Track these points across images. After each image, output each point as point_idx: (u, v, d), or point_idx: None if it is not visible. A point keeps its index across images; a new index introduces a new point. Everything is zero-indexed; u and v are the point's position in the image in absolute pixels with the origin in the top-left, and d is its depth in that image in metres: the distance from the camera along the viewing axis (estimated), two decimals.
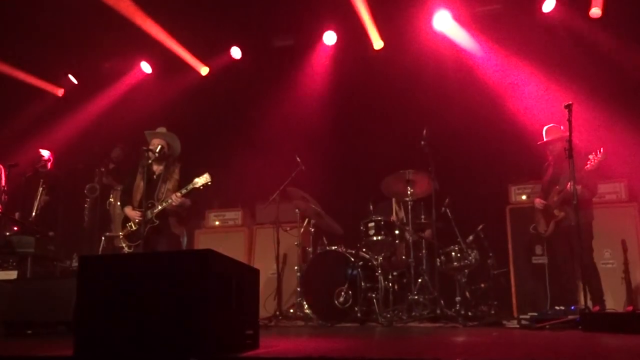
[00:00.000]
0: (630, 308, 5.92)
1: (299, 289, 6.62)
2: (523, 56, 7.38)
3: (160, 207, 5.70)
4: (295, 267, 6.97)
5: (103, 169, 7.84)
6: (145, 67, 9.01)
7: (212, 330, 2.58)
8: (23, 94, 8.99)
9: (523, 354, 2.80)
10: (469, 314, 6.07)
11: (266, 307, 6.80)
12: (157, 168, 5.95)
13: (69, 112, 9.08)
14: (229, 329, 2.83)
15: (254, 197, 8.13)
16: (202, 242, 8.02)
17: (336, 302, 6.03)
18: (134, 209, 5.89)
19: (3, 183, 7.08)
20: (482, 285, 6.51)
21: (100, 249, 7.30)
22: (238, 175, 8.03)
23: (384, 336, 4.44)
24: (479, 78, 7.52)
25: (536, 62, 7.31)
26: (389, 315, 5.95)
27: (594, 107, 6.61)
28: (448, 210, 6.49)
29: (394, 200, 7.02)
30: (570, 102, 5.15)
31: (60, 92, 9.49)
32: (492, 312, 6.28)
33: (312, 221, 6.84)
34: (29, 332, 4.75)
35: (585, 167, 5.47)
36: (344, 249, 6.31)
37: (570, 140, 5.15)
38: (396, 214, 6.98)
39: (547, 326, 4.82)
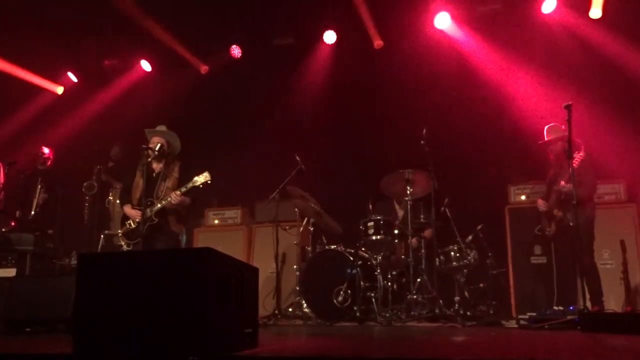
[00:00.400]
0: (629, 308, 5.94)
1: (298, 288, 6.62)
2: (523, 56, 7.38)
3: (159, 206, 5.70)
4: (295, 266, 6.97)
5: (101, 167, 7.84)
6: (145, 66, 9.00)
7: (211, 328, 2.58)
8: (23, 92, 8.98)
9: (522, 354, 2.80)
10: (468, 313, 6.07)
11: (265, 305, 6.80)
12: (156, 166, 5.95)
13: (68, 110, 9.07)
14: (228, 328, 2.83)
15: (254, 196, 8.13)
16: (202, 240, 8.02)
17: (335, 301, 6.03)
18: (133, 207, 5.89)
19: (2, 180, 7.07)
20: (481, 285, 6.50)
21: (100, 247, 7.30)
22: (237, 174, 8.03)
23: (383, 335, 4.44)
24: (478, 78, 7.52)
25: (536, 62, 7.31)
26: (387, 315, 5.95)
27: (594, 107, 6.60)
28: (447, 210, 6.49)
29: (394, 200, 7.02)
30: (569, 103, 5.15)
31: (59, 89, 9.48)
32: (491, 312, 6.28)
33: (312, 220, 6.84)
34: (28, 329, 4.75)
35: (573, 166, 5.48)
36: (343, 248, 6.32)
37: (569, 140, 5.15)
38: (397, 213, 6.98)
39: (546, 326, 4.83)
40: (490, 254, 6.53)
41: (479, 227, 6.53)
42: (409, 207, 6.32)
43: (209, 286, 2.63)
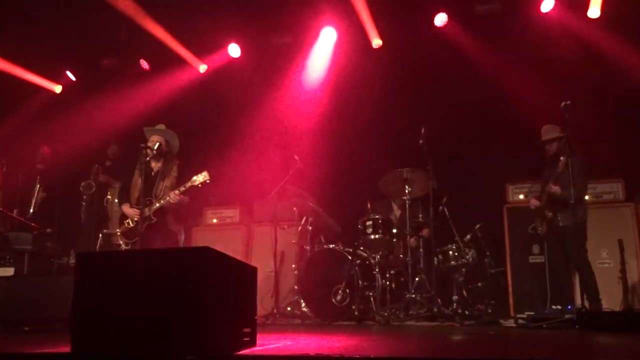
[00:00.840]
0: (626, 307, 5.95)
1: (296, 287, 6.62)
2: (521, 55, 7.38)
3: (158, 205, 5.70)
4: (293, 265, 6.98)
5: (99, 167, 7.83)
6: (144, 64, 8.99)
7: (209, 327, 2.58)
8: (21, 91, 8.96)
9: (520, 353, 2.81)
10: (466, 312, 6.08)
11: (263, 304, 6.80)
12: (155, 165, 5.94)
13: (66, 109, 9.05)
14: (227, 327, 2.83)
15: (252, 195, 8.13)
16: (200, 239, 8.00)
17: (333, 300, 6.04)
18: (131, 206, 5.88)
19: (0, 179, 7.07)
20: (479, 284, 6.52)
21: (98, 246, 7.29)
22: (236, 173, 8.02)
23: (381, 334, 4.45)
24: (477, 77, 7.52)
25: (534, 61, 7.31)
26: (386, 314, 5.96)
27: (592, 106, 6.61)
28: (445, 209, 6.50)
29: (393, 199, 7.02)
30: (567, 102, 5.16)
31: (58, 88, 9.46)
32: (489, 311, 6.29)
33: (310, 219, 6.84)
34: (26, 329, 4.75)
35: (558, 169, 5.51)
36: (342, 247, 6.32)
37: (567, 140, 5.16)
38: (395, 212, 6.99)
39: (544, 325, 4.84)
40: (488, 253, 6.55)
41: (477, 226, 6.54)
42: (407, 206, 6.32)
43: (207, 285, 2.63)
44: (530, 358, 2.49)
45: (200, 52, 8.77)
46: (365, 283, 6.02)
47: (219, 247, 2.85)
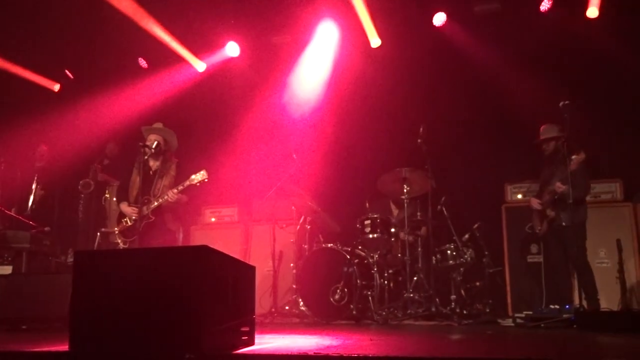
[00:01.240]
0: (624, 307, 5.96)
1: (294, 286, 6.62)
2: (520, 55, 7.38)
3: (156, 203, 5.69)
4: (291, 264, 6.98)
5: (97, 165, 7.83)
6: (142, 63, 8.98)
7: (207, 326, 2.58)
8: (19, 89, 8.94)
9: (518, 353, 2.81)
10: (464, 312, 6.08)
11: (262, 303, 6.79)
12: (153, 164, 5.93)
13: (65, 107, 9.04)
14: (225, 325, 2.83)
15: (251, 194, 8.12)
16: (198, 238, 8.00)
17: (332, 299, 6.04)
18: (129, 204, 5.87)
19: None
20: (478, 283, 6.52)
21: (96, 244, 7.29)
22: (234, 172, 8.03)
23: (379, 334, 4.45)
24: (476, 76, 7.52)
25: (533, 61, 7.31)
26: (384, 313, 5.96)
27: (591, 106, 6.61)
28: (444, 209, 6.50)
29: (391, 199, 7.03)
30: (566, 102, 5.16)
31: (56, 87, 9.45)
32: (487, 310, 6.30)
33: (309, 218, 6.84)
34: (24, 327, 4.75)
35: (570, 168, 5.48)
36: (340, 247, 6.32)
37: (565, 140, 5.17)
38: (393, 212, 7.00)
39: (542, 325, 4.84)
40: (486, 253, 6.55)
41: (476, 225, 6.54)
42: (405, 205, 6.32)
43: (205, 284, 2.63)
44: (528, 357, 2.50)
45: (199, 51, 8.76)
46: (363, 282, 6.02)
47: (217, 246, 2.85)
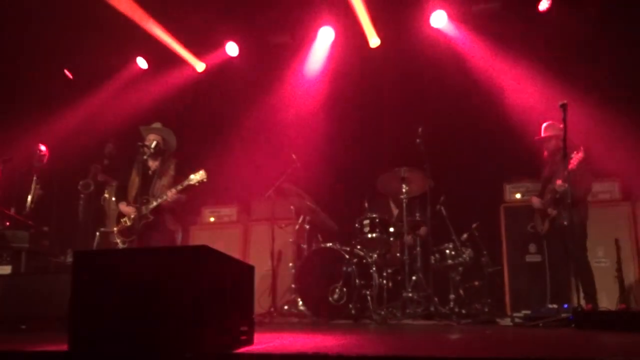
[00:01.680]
0: (622, 306, 5.97)
1: (293, 286, 6.62)
2: (519, 54, 7.39)
3: (155, 203, 5.69)
4: (290, 264, 6.98)
5: (97, 166, 7.82)
6: (141, 63, 8.98)
7: (206, 326, 2.59)
8: (18, 89, 8.94)
9: (516, 352, 2.81)
10: (463, 311, 6.10)
11: (261, 303, 6.80)
12: (152, 164, 5.93)
13: (64, 107, 9.04)
14: (224, 325, 2.84)
15: (249, 194, 8.13)
16: (197, 238, 8.01)
17: (330, 299, 6.05)
18: (128, 204, 5.87)
19: None
20: (476, 283, 6.53)
21: (95, 244, 7.28)
22: (233, 172, 8.02)
23: (378, 333, 4.45)
24: (474, 76, 7.53)
25: (532, 60, 7.32)
26: (382, 313, 5.97)
27: (589, 105, 6.62)
28: (443, 208, 6.51)
29: (390, 198, 7.03)
30: (565, 101, 5.16)
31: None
32: (486, 310, 6.31)
33: (307, 218, 6.85)
34: (23, 327, 4.75)
35: (569, 167, 5.47)
36: (339, 246, 6.32)
37: (565, 139, 5.17)
38: (392, 211, 7.00)
39: (540, 324, 4.85)
40: (485, 252, 6.56)
41: (474, 225, 6.55)
42: (404, 205, 6.32)
43: (204, 284, 2.64)
44: (526, 357, 2.50)
45: (198, 51, 8.76)
46: (362, 282, 6.03)
47: (216, 246, 2.85)
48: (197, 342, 2.52)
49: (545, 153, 6.30)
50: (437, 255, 6.37)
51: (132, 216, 5.76)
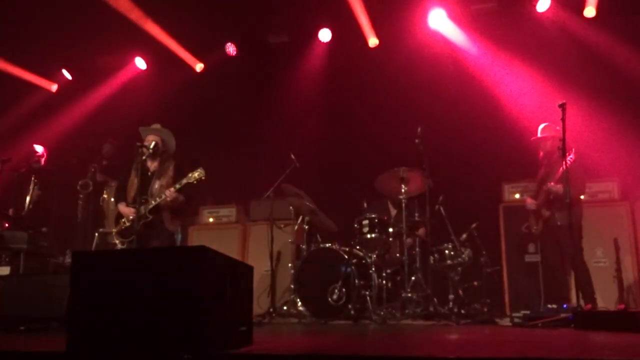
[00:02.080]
0: (621, 306, 5.96)
1: (292, 286, 6.61)
2: (517, 54, 7.40)
3: (154, 203, 5.67)
4: (289, 264, 6.97)
5: (97, 166, 7.81)
6: (140, 63, 8.98)
7: (205, 326, 2.58)
8: (17, 89, 8.94)
9: (515, 352, 2.81)
10: (462, 311, 6.09)
11: (260, 304, 6.80)
12: (151, 164, 5.91)
13: (62, 108, 9.04)
14: (223, 326, 2.83)
15: (248, 194, 8.12)
16: (196, 238, 8.01)
17: (330, 299, 6.04)
18: (127, 205, 5.86)
19: None
20: (475, 283, 6.53)
21: (94, 245, 7.28)
22: (232, 172, 8.02)
23: (377, 334, 4.45)
24: (473, 76, 7.54)
25: (530, 61, 7.33)
26: (382, 313, 5.96)
27: (588, 105, 6.62)
28: (441, 208, 6.50)
29: (389, 198, 7.03)
30: (563, 102, 5.16)
31: (54, 87, 9.44)
32: (485, 310, 6.30)
33: (306, 218, 6.84)
34: (22, 327, 4.74)
35: (561, 168, 5.48)
36: (338, 247, 6.31)
37: (563, 140, 5.17)
38: (391, 212, 7.00)
39: (540, 324, 4.85)
40: (484, 252, 6.56)
41: (473, 225, 6.55)
42: (403, 205, 6.32)
43: (203, 284, 2.63)
44: (525, 357, 2.50)
45: (197, 51, 8.77)
46: (361, 282, 6.02)
47: (215, 246, 2.85)
48: (196, 343, 2.52)
49: (541, 154, 6.31)
50: (436, 256, 6.37)
51: (130, 216, 5.75)
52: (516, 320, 5.40)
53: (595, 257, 6.43)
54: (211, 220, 8.23)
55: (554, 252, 6.12)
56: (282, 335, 4.17)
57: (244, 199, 8.25)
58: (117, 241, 5.87)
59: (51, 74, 9.32)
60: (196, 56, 8.82)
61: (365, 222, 6.39)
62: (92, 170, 7.76)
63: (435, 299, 6.00)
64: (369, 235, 6.33)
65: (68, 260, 6.72)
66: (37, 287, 4.91)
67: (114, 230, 5.91)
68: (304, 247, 6.77)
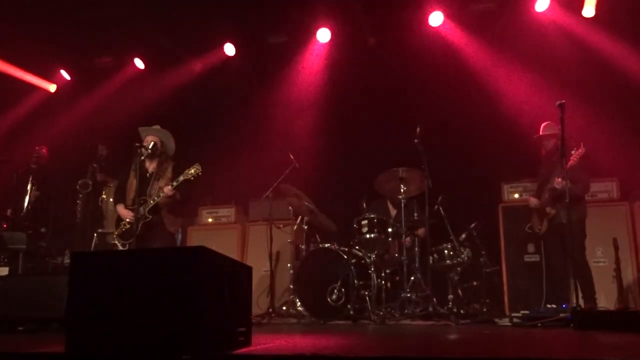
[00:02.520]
0: (621, 306, 5.97)
1: (291, 287, 6.62)
2: (516, 54, 7.40)
3: (152, 202, 5.67)
4: (288, 265, 6.97)
5: (96, 166, 7.80)
6: (139, 63, 8.97)
7: (204, 327, 2.58)
8: (16, 90, 8.93)
9: (515, 352, 2.81)
10: (461, 311, 6.09)
11: (259, 304, 6.80)
12: (149, 165, 5.91)
13: (61, 108, 9.03)
14: (222, 326, 2.83)
15: (247, 194, 8.13)
16: (195, 239, 8.01)
17: (329, 299, 6.04)
18: (126, 207, 5.85)
19: None
20: (475, 283, 6.53)
21: (93, 245, 7.27)
22: (231, 172, 8.02)
23: (376, 334, 4.45)
24: (472, 76, 7.53)
25: (529, 60, 7.33)
26: (381, 313, 5.96)
27: (587, 105, 6.62)
28: (441, 208, 6.50)
29: (388, 198, 7.03)
30: (562, 101, 5.16)
31: (52, 87, 9.43)
32: (484, 310, 6.31)
33: (306, 218, 6.84)
34: (21, 328, 4.74)
35: (568, 164, 5.45)
36: (337, 247, 6.32)
37: (562, 139, 5.16)
38: (390, 212, 6.99)
39: (539, 324, 4.84)
40: (483, 252, 6.56)
41: (473, 225, 6.55)
42: (402, 205, 6.32)
43: (202, 285, 2.63)
44: (525, 357, 2.50)
45: (196, 51, 8.76)
46: (360, 282, 6.02)
47: (214, 247, 2.84)
48: (195, 344, 2.52)
49: (543, 151, 6.30)
50: (435, 256, 6.36)
51: (128, 219, 5.75)
52: (515, 320, 5.39)
53: (595, 257, 6.43)
54: (210, 220, 8.23)
55: (558, 252, 6.10)
56: (282, 335, 4.16)
57: (243, 199, 8.25)
58: (117, 243, 5.86)
59: (50, 75, 9.31)
60: (195, 56, 8.81)
61: (365, 222, 6.38)
62: (92, 170, 7.75)
63: (434, 299, 5.99)
64: (368, 236, 6.33)
65: (67, 260, 6.71)
66: (36, 288, 4.90)
67: (115, 232, 5.90)
68: (303, 247, 6.77)
